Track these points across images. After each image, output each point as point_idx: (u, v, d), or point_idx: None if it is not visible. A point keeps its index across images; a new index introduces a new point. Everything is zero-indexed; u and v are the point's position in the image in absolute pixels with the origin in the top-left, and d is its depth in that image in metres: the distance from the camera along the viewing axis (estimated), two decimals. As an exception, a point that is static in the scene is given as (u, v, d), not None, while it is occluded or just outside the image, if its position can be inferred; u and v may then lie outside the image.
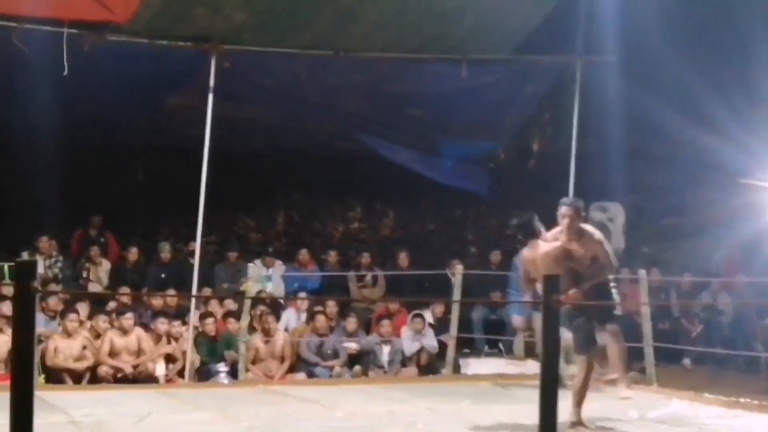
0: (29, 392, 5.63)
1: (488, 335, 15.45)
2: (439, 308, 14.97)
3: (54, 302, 13.85)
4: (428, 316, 14.97)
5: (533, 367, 13.98)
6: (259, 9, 12.94)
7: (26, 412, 5.58)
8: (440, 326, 14.89)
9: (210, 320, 13.91)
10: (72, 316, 13.17)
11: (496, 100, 15.64)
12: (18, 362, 5.66)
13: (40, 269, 14.41)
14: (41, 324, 13.13)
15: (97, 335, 13.40)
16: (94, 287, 15.11)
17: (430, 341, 14.50)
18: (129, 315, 13.45)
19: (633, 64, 14.78)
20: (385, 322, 14.57)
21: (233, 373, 13.51)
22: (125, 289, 14.60)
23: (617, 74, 14.80)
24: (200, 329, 13.93)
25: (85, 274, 15.31)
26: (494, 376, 13.99)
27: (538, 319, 11.10)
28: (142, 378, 13.16)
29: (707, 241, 16.50)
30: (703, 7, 14.99)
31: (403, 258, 16.17)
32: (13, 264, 8.71)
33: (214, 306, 14.61)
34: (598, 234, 9.58)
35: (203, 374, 13.62)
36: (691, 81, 14.89)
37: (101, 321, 13.53)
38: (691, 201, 17.08)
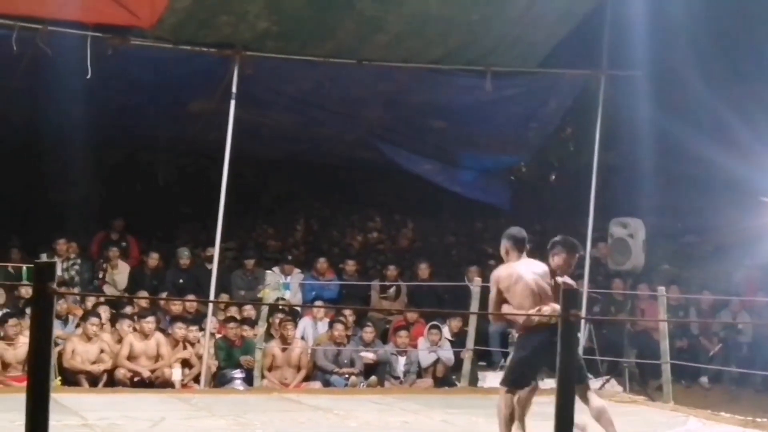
0: (45, 394, 5.60)
1: (506, 348, 15.38)
2: (456, 323, 14.90)
3: (61, 306, 13.76)
4: (446, 331, 14.92)
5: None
6: (283, 17, 12.95)
7: (42, 414, 5.55)
8: (457, 338, 14.85)
9: (233, 325, 13.89)
10: (93, 319, 13.18)
11: (520, 113, 15.60)
12: (35, 364, 5.63)
13: (58, 272, 14.42)
14: (55, 326, 13.12)
15: (120, 339, 13.40)
16: (109, 289, 15.13)
17: (447, 353, 14.46)
18: (150, 319, 13.44)
19: (657, 80, 14.75)
20: (403, 333, 14.54)
21: (249, 380, 13.50)
22: (143, 293, 14.60)
23: (641, 90, 14.76)
24: (222, 334, 13.95)
25: (101, 275, 15.33)
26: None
27: None
28: (158, 383, 13.16)
29: (728, 260, 16.45)
30: (727, 25, 14.97)
31: (423, 269, 16.12)
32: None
33: (233, 313, 14.61)
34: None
35: (219, 380, 13.62)
36: (714, 99, 14.87)
37: (125, 325, 13.53)
38: (712, 220, 17.02)
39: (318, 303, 15.33)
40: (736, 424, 11.38)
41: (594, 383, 14.40)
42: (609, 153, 16.08)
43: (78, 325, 13.53)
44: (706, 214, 16.98)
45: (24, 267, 13.88)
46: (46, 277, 5.53)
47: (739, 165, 14.68)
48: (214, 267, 13.58)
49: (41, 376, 5.58)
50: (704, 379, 15.19)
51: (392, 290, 15.93)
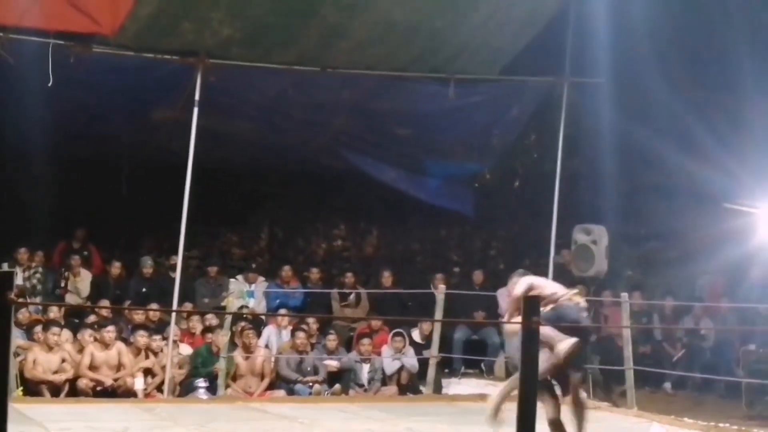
0: (3, 404, 5.57)
1: (469, 355, 15.40)
2: (427, 326, 14.91)
3: (23, 315, 13.71)
4: (416, 334, 14.95)
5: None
6: (247, 24, 12.91)
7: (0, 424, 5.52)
8: (422, 345, 14.87)
9: (221, 332, 13.73)
10: (54, 329, 13.09)
11: (483, 120, 15.63)
12: (-8, 374, 5.60)
13: (19, 281, 14.35)
14: (18, 336, 13.04)
15: (81, 348, 13.32)
16: (71, 298, 15.03)
17: (411, 360, 14.45)
18: (110, 328, 13.36)
19: (620, 87, 14.81)
20: (366, 341, 14.51)
21: (212, 389, 13.43)
22: (105, 302, 14.52)
23: (604, 97, 14.81)
24: (209, 342, 13.90)
25: (63, 284, 15.23)
26: (474, 396, 13.95)
27: None
28: (121, 392, 13.08)
29: (691, 266, 16.49)
30: (690, 33, 15.05)
31: (386, 277, 16.13)
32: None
33: (196, 322, 14.55)
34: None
35: (183, 389, 13.54)
36: (677, 106, 14.93)
37: (86, 335, 13.44)
38: (675, 226, 17.08)
39: (282, 311, 15.28)
40: (698, 430, 11.43)
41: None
42: (572, 159, 16.13)
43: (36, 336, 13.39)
44: (670, 221, 17.03)
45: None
46: (3, 287, 5.50)
47: (702, 171, 14.76)
48: (177, 275, 13.52)
49: (-1, 386, 5.54)
50: (668, 385, 15.23)
51: (352, 297, 15.91)
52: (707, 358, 15.49)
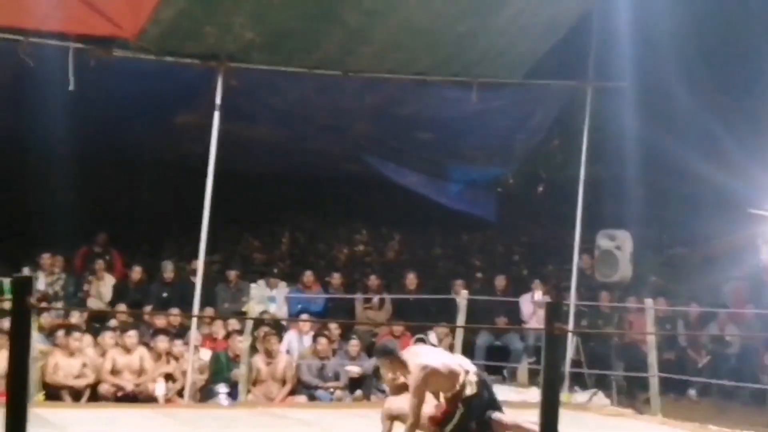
0: (23, 409, 5.53)
1: (492, 362, 15.31)
2: (443, 330, 14.81)
3: (45, 320, 13.69)
4: (432, 337, 14.86)
5: (537, 394, 13.87)
6: (268, 28, 12.87)
7: (20, 429, 5.48)
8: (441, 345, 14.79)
9: (239, 338, 13.68)
10: (76, 334, 13.08)
11: (506, 124, 15.56)
12: (13, 379, 5.56)
13: (42, 286, 14.36)
14: (40, 341, 13.01)
15: (103, 353, 13.29)
16: (94, 302, 15.01)
17: (433, 366, 14.34)
18: (132, 333, 13.33)
19: (644, 92, 14.73)
20: (389, 346, 14.41)
21: (234, 395, 13.38)
22: (125, 307, 14.49)
23: (628, 101, 14.73)
24: (226, 347, 13.87)
25: (86, 288, 15.22)
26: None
27: None
28: (142, 397, 13.04)
29: (716, 272, 16.40)
30: (714, 38, 14.99)
31: (411, 279, 16.06)
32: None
33: (218, 326, 14.50)
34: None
35: (203, 395, 13.49)
36: (700, 111, 14.86)
37: (107, 338, 13.41)
38: (699, 231, 16.99)
39: (304, 316, 15.23)
40: (723, 437, 11.34)
41: (581, 396, 14.39)
42: (596, 164, 16.04)
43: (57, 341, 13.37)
44: (694, 226, 16.95)
45: (3, 281, 13.77)
46: (23, 291, 5.46)
47: (726, 177, 14.68)
48: (198, 280, 13.46)
49: (19, 391, 5.50)
50: (692, 392, 15.12)
51: (375, 301, 15.84)
52: (732, 364, 15.37)
